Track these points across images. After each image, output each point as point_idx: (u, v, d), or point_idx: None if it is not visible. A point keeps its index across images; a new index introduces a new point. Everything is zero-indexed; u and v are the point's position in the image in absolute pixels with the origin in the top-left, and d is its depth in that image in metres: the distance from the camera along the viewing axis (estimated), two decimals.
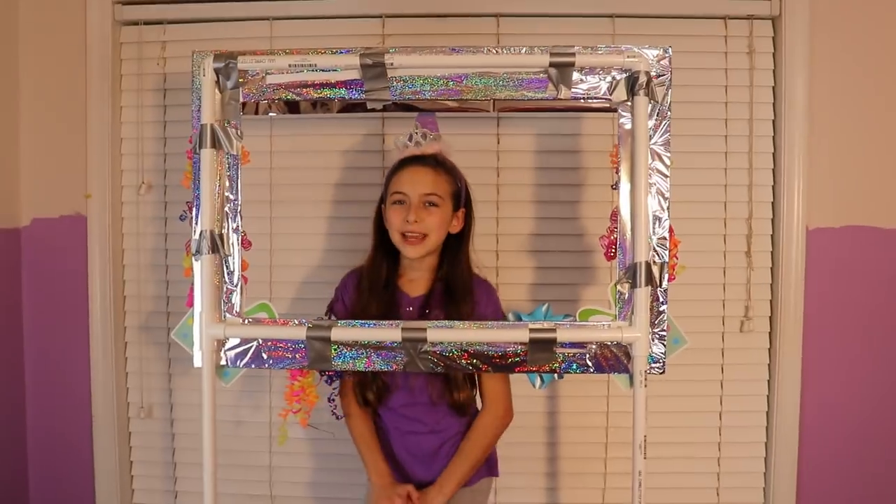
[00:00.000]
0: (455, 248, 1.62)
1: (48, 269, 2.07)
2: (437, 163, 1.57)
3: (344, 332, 1.41)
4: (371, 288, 1.59)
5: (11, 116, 2.02)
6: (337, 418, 1.64)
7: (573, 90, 1.42)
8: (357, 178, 2.00)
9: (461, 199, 1.61)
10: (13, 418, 2.06)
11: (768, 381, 2.02)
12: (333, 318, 1.61)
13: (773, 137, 1.98)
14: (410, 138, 1.60)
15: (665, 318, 1.42)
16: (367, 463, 1.59)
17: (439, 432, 1.60)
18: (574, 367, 1.43)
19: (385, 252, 1.62)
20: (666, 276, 1.42)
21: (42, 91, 2.04)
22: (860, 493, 2.04)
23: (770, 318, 2.01)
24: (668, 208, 1.42)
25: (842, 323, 2.00)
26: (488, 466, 1.67)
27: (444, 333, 1.41)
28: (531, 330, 1.39)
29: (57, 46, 2.03)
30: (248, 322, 1.46)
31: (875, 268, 1.99)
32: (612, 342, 1.41)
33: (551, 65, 1.39)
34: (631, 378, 1.40)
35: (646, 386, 1.38)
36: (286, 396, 1.55)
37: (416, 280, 1.61)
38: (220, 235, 1.44)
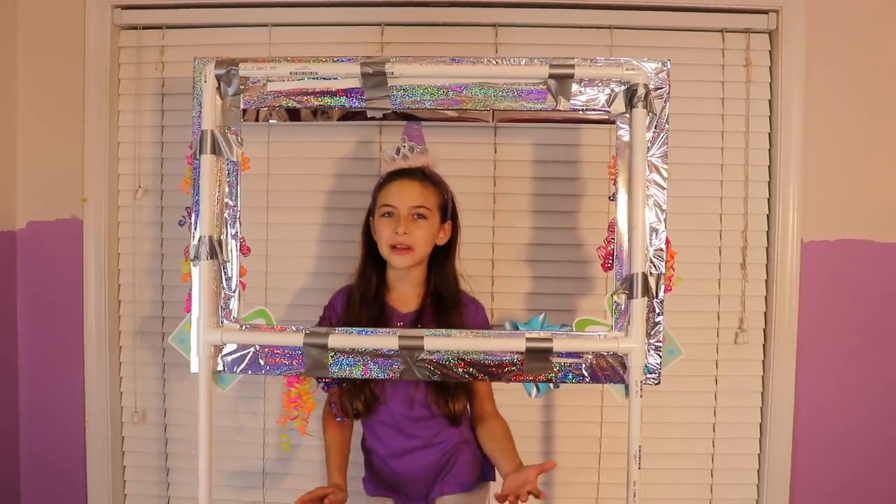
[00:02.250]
0: (442, 259, 1.64)
1: (43, 273, 2.06)
2: (424, 176, 1.59)
3: (341, 339, 1.41)
4: (361, 300, 1.61)
5: (9, 118, 2.02)
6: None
7: (572, 102, 1.43)
8: (354, 186, 1.99)
9: (447, 212, 1.63)
10: (6, 421, 2.05)
11: (762, 393, 2.02)
12: None
13: (769, 150, 2.00)
14: (398, 151, 1.61)
15: (661, 329, 1.43)
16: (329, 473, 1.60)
17: (437, 445, 1.60)
18: (570, 376, 1.43)
19: (374, 265, 1.64)
20: (662, 287, 1.42)
21: (40, 93, 2.04)
22: None
23: (764, 329, 2.02)
24: (664, 220, 1.43)
25: (836, 335, 2.01)
26: (484, 472, 1.67)
27: (441, 342, 1.41)
28: (527, 339, 1.39)
29: (55, 49, 2.03)
30: (246, 328, 1.46)
31: (869, 281, 2.00)
32: (608, 352, 1.41)
33: (551, 76, 1.40)
34: (626, 388, 1.41)
35: (641, 396, 1.38)
36: (284, 403, 1.55)
37: (405, 296, 1.63)
38: (219, 241, 1.44)
